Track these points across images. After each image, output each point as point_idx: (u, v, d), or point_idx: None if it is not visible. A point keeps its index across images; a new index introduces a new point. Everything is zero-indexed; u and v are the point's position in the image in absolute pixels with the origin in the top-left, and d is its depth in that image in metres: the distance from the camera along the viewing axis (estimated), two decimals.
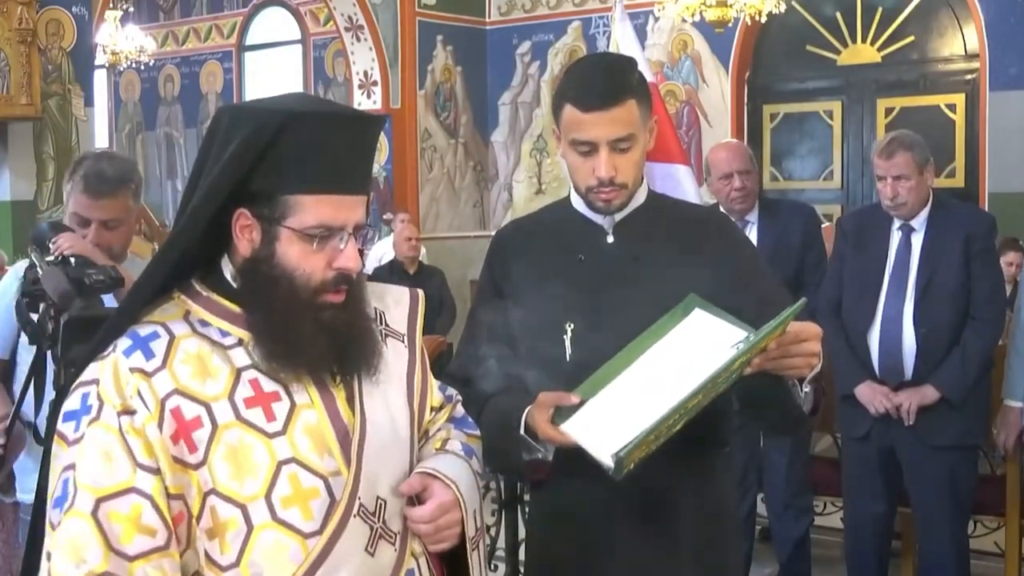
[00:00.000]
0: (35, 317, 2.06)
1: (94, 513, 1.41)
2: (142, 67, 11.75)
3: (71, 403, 1.49)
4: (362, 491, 1.53)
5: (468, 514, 1.64)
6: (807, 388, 1.87)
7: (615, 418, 1.77)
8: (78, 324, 1.90)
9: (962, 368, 3.52)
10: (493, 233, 2.29)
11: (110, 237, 2.62)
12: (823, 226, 4.43)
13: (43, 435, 2.02)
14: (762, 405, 1.94)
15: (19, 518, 2.70)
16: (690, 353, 1.78)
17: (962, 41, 8.00)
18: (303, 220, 1.48)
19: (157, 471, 1.43)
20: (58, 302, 1.95)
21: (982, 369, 3.57)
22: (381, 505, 1.56)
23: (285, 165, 1.47)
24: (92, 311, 1.93)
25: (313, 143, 1.48)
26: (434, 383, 1.78)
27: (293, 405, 1.51)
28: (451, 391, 1.86)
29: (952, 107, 8.02)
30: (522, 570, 3.25)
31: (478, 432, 1.84)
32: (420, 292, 1.78)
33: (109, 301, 2.02)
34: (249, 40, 11.83)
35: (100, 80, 10.79)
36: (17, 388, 2.41)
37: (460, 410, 1.84)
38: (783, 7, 7.08)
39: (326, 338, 1.51)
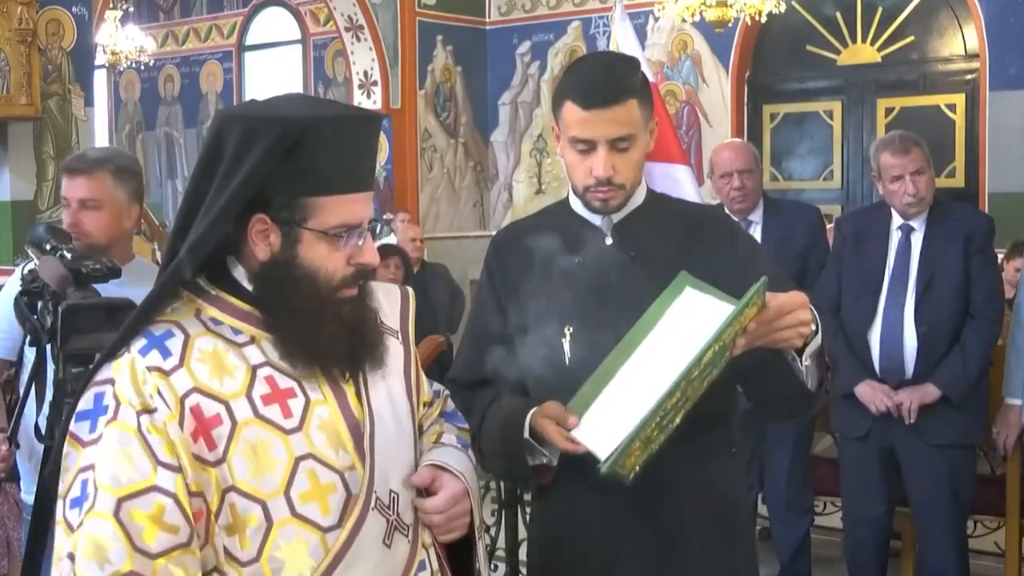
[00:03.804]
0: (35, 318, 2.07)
1: (116, 513, 1.41)
2: (142, 67, 11.74)
3: (84, 403, 1.49)
4: (377, 484, 1.56)
5: (476, 504, 1.68)
6: (807, 361, 1.85)
7: (619, 419, 1.77)
8: (76, 312, 1.90)
9: (963, 367, 3.53)
10: (493, 233, 2.29)
11: (87, 219, 2.59)
12: (828, 227, 4.42)
13: (43, 434, 2.02)
14: (764, 384, 1.93)
15: (22, 518, 2.71)
16: (684, 339, 1.76)
17: (962, 41, 8.00)
18: (325, 221, 1.52)
19: (179, 469, 1.44)
20: (56, 287, 1.95)
21: (982, 368, 3.58)
22: (394, 498, 1.59)
23: (305, 170, 1.50)
24: (89, 300, 1.94)
25: (331, 147, 1.51)
26: (424, 379, 1.80)
27: (308, 401, 1.54)
28: (438, 386, 1.89)
29: (952, 107, 8.01)
30: (523, 571, 3.26)
31: (467, 425, 1.87)
32: (409, 290, 1.81)
33: (105, 291, 2.02)
34: (249, 40, 11.82)
35: (100, 80, 10.78)
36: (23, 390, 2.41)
37: (450, 404, 1.88)
38: (783, 7, 7.07)
39: (346, 333, 1.54)
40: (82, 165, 2.65)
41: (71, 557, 1.42)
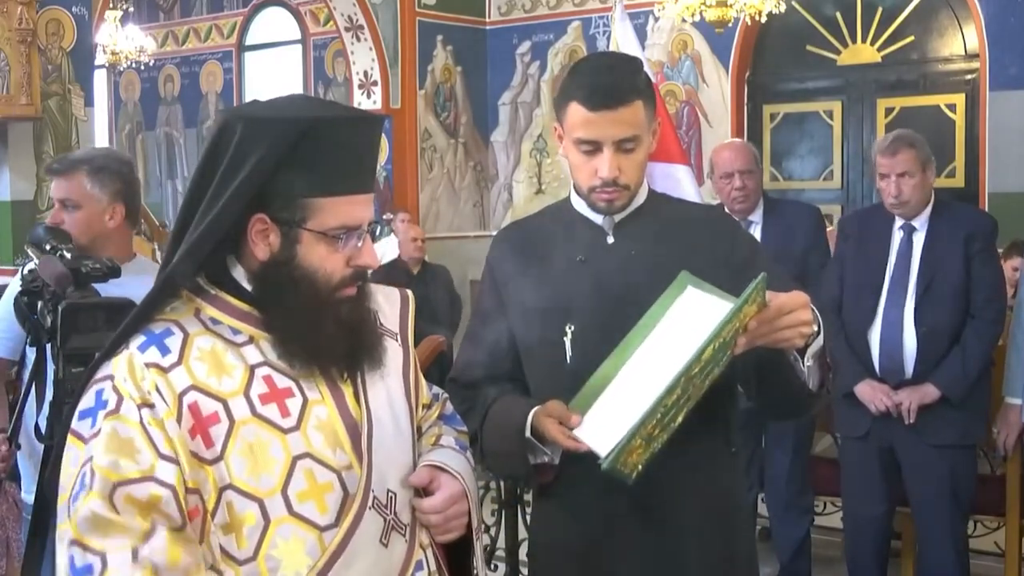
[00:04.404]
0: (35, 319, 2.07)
1: (110, 495, 1.41)
2: (142, 67, 11.74)
3: (86, 401, 1.49)
4: (375, 484, 1.57)
5: (474, 505, 1.68)
6: (809, 362, 1.85)
7: (621, 416, 1.77)
8: (76, 311, 1.90)
9: (963, 367, 3.53)
10: (493, 233, 2.29)
11: (67, 219, 2.61)
12: (828, 229, 4.43)
13: (43, 434, 2.02)
14: (765, 384, 1.92)
15: (22, 518, 2.71)
16: (685, 337, 1.76)
17: (962, 41, 8.00)
18: (325, 222, 1.52)
19: (177, 462, 1.44)
20: (55, 285, 1.95)
21: (982, 368, 3.57)
22: (392, 497, 1.59)
23: (305, 170, 1.50)
24: (89, 299, 1.94)
25: (332, 148, 1.51)
26: (423, 381, 1.81)
27: (305, 401, 1.54)
28: (437, 389, 1.89)
29: (952, 107, 8.01)
30: (523, 571, 3.26)
31: (466, 428, 1.87)
32: (409, 293, 1.81)
33: (105, 290, 2.03)
34: (249, 40, 11.82)
35: (100, 80, 10.77)
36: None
37: (449, 407, 1.88)
38: (783, 7, 7.07)
39: (344, 334, 1.55)
40: (60, 166, 2.67)
41: (78, 544, 1.41)
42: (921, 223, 3.62)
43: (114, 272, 2.04)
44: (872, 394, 3.61)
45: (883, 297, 3.64)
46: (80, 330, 1.90)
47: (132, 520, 1.41)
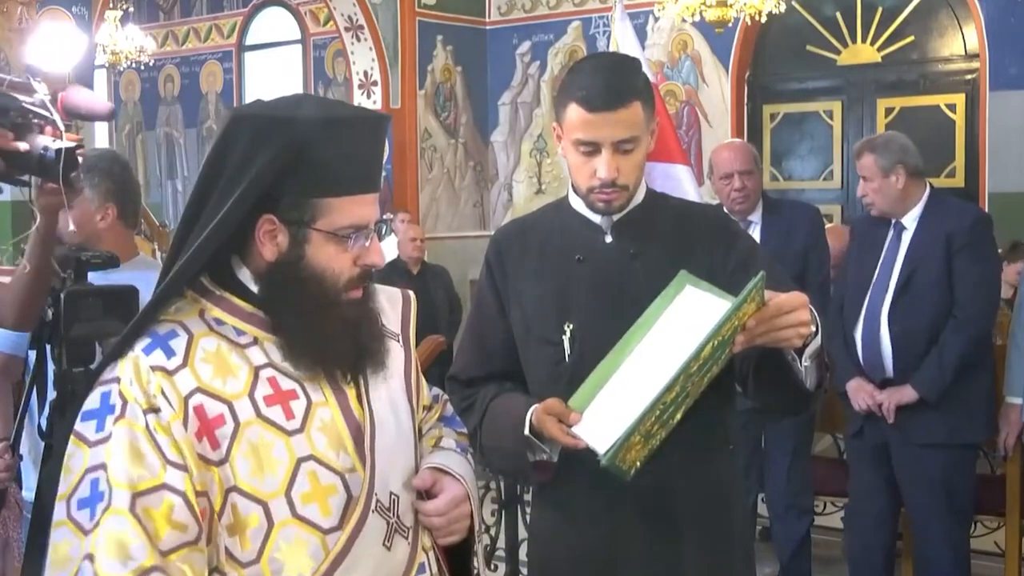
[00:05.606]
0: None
1: (132, 509, 1.41)
2: (142, 67, 11.72)
3: (90, 403, 1.49)
4: (378, 487, 1.56)
5: (476, 507, 1.69)
6: (807, 362, 1.86)
7: (620, 413, 1.77)
8: (78, 298, 1.91)
9: (939, 367, 3.49)
10: (493, 233, 2.30)
11: (61, 219, 2.60)
12: (828, 226, 4.43)
13: (44, 432, 2.03)
14: (763, 383, 1.92)
15: (22, 517, 2.71)
16: (684, 335, 1.77)
17: (962, 41, 8.00)
18: (335, 222, 1.52)
19: (186, 468, 1.44)
20: (58, 268, 1.96)
21: (959, 368, 3.51)
22: (395, 500, 1.59)
23: (316, 171, 1.50)
24: (89, 286, 1.95)
25: (342, 148, 1.51)
26: (424, 382, 1.80)
27: (310, 403, 1.54)
28: (437, 390, 1.89)
29: (952, 107, 8.02)
30: (523, 570, 3.26)
31: (466, 430, 1.87)
32: (411, 294, 1.81)
33: (98, 279, 2.03)
34: (249, 40, 11.82)
35: (100, 80, 10.77)
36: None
37: (449, 409, 1.88)
38: (783, 7, 7.07)
39: (350, 336, 1.55)
40: None
41: (90, 558, 1.40)
42: (910, 222, 3.62)
43: (113, 262, 2.04)
44: (856, 392, 3.62)
45: (867, 296, 3.65)
46: (81, 318, 1.91)
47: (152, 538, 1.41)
